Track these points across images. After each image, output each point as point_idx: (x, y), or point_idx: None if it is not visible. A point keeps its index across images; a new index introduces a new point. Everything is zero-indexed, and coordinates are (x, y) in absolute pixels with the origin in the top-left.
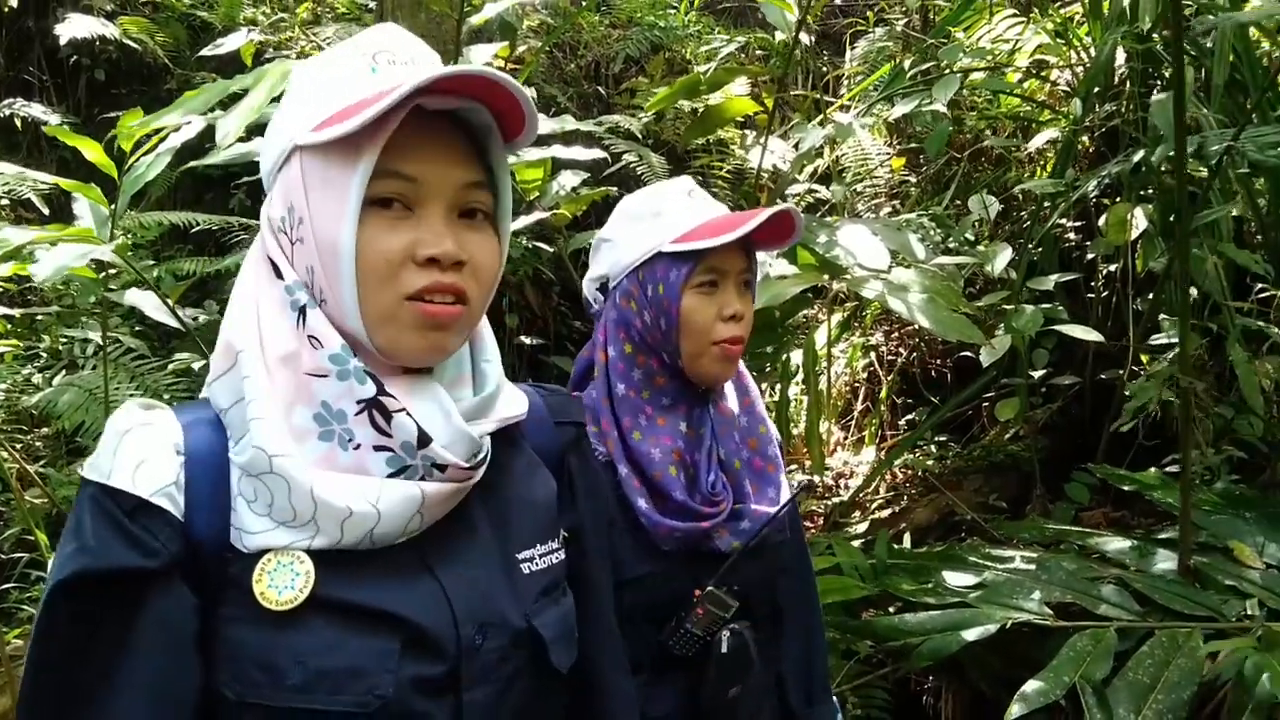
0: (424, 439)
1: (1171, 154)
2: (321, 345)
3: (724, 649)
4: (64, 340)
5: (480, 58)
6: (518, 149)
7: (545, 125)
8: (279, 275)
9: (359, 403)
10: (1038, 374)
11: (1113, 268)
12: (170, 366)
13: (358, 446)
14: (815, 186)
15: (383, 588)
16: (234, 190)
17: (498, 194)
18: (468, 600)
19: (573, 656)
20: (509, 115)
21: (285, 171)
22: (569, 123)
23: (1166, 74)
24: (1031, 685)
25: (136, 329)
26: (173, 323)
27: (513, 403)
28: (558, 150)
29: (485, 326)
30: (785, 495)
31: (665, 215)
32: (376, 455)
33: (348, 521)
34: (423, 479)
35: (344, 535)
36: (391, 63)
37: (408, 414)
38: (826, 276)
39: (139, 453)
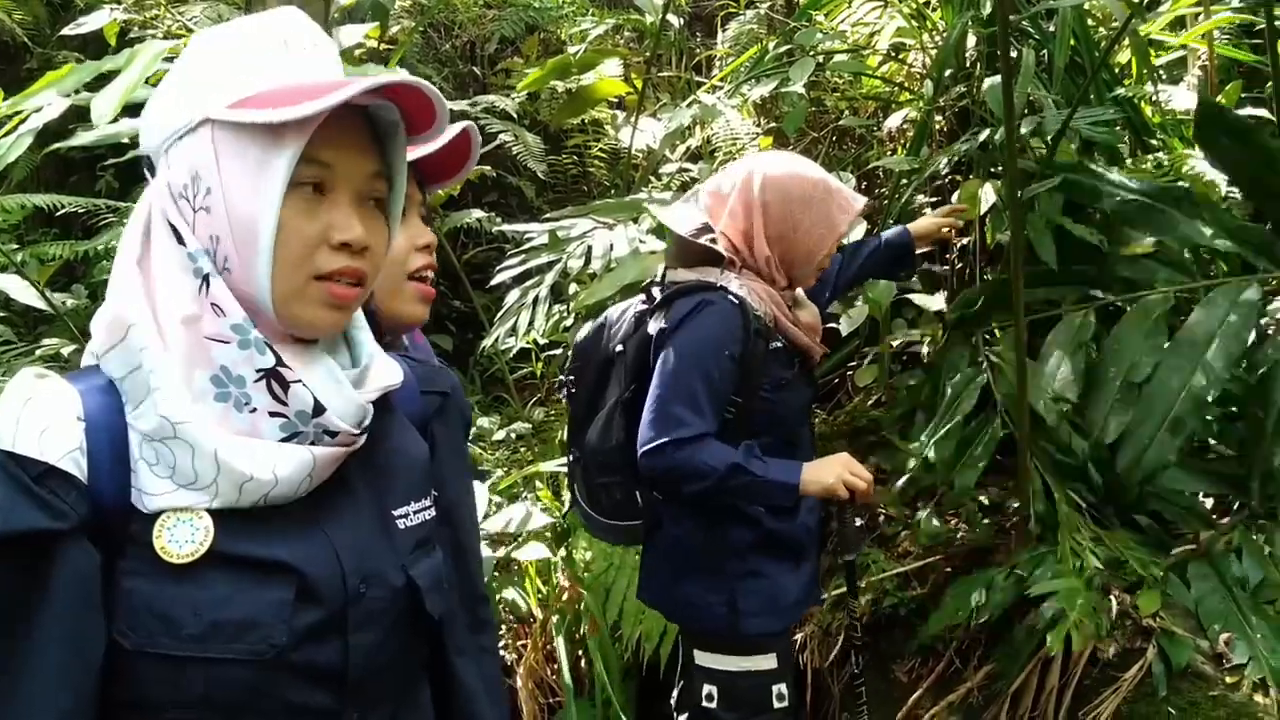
0: (319, 409)
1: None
2: (224, 314)
3: None
4: None
5: (351, 38)
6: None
7: None
8: (180, 240)
9: (258, 371)
10: (897, 342)
11: (965, 241)
12: (38, 352)
13: (253, 410)
14: (687, 165)
15: (278, 542)
16: (100, 173)
17: (393, 185)
18: (353, 553)
19: (446, 604)
20: (416, 113)
21: (189, 140)
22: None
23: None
24: None
25: (1, 315)
26: (41, 306)
27: (390, 372)
28: None
29: None
30: None
31: None
32: (270, 420)
33: (246, 485)
34: (313, 444)
35: (241, 497)
36: (302, 48)
37: (304, 385)
38: None
39: (43, 420)
